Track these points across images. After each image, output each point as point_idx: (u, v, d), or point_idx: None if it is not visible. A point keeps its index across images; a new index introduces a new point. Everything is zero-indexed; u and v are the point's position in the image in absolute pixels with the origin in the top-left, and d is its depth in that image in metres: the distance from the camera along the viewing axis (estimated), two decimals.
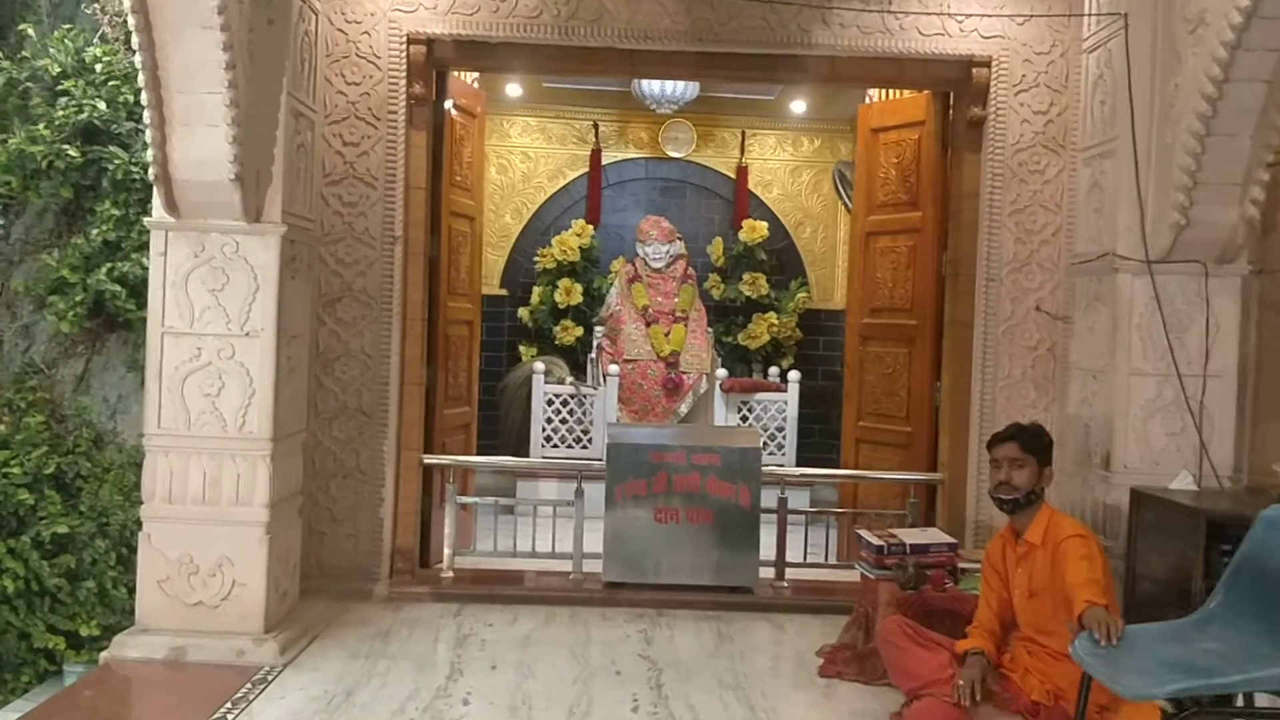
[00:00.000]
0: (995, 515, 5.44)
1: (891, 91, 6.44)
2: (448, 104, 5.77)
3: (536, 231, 9.72)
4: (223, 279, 4.38)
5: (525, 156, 9.72)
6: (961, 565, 4.58)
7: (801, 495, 7.56)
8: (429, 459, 5.60)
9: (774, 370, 8.72)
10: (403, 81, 5.37)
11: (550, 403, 7.75)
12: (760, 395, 7.76)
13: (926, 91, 5.90)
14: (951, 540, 4.67)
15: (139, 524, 4.45)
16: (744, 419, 7.77)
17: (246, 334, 4.38)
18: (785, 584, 5.58)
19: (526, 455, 7.80)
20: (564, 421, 7.75)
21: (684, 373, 8.57)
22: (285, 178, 4.43)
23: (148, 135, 4.14)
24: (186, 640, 4.33)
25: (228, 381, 4.38)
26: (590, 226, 9.22)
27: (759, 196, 9.80)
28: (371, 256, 5.39)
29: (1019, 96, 5.47)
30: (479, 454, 8.72)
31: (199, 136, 4.14)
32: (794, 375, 7.76)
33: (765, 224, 9.27)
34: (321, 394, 5.39)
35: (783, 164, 9.84)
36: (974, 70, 5.39)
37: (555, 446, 7.75)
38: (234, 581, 4.39)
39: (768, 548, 5.50)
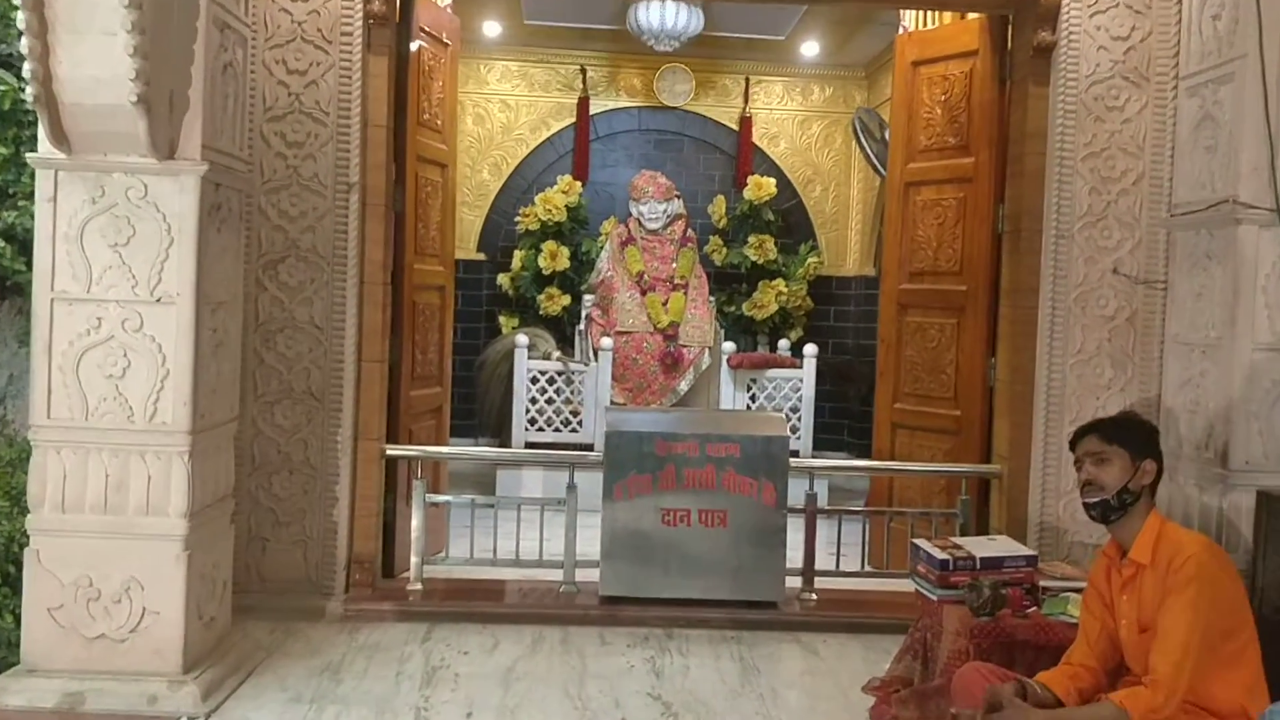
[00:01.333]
0: (1063, 516, 4.71)
1: (933, 18, 5.61)
2: (415, 30, 4.92)
3: (518, 189, 8.88)
4: (127, 231, 3.53)
5: (505, 105, 8.86)
6: (1042, 583, 3.79)
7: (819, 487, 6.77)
8: (392, 450, 4.78)
9: (783, 344, 7.91)
10: None
11: (535, 380, 6.92)
12: (772, 372, 6.95)
13: (978, 15, 5.07)
14: (1029, 552, 3.87)
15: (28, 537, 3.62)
16: (753, 399, 6.96)
17: (158, 300, 3.53)
18: (814, 596, 4.80)
19: (508, 440, 6.98)
20: (550, 402, 6.93)
21: (684, 346, 7.74)
22: (207, 103, 3.58)
23: (23, 44, 3.27)
24: (84, 684, 3.50)
25: (135, 360, 3.54)
26: (578, 183, 8.37)
27: (764, 151, 8.97)
28: (322, 208, 4.55)
29: (1095, 19, 4.66)
30: (453, 439, 7.90)
31: (91, 46, 3.29)
32: (809, 349, 6.96)
33: (772, 180, 8.43)
34: (262, 372, 4.56)
35: (790, 115, 9.00)
36: None
37: (541, 430, 6.93)
38: (144, 609, 3.56)
39: (792, 551, 4.72)
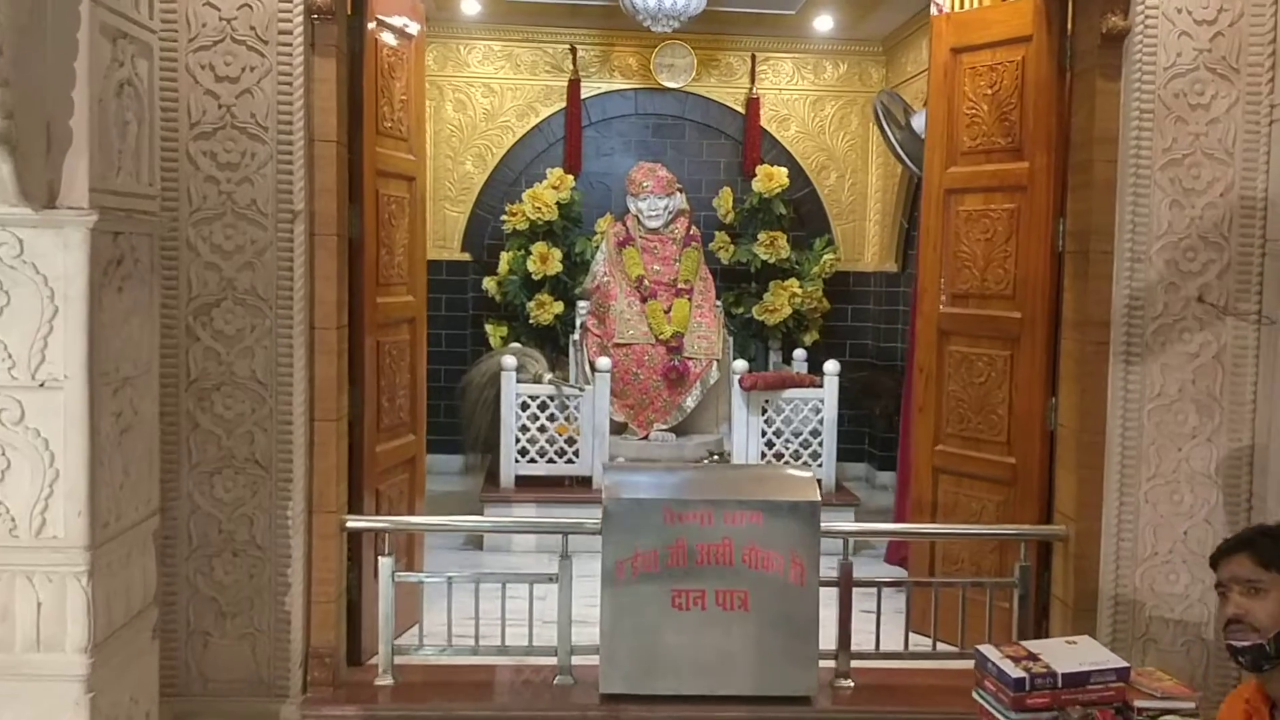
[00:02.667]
0: (1140, 587, 4.07)
1: None
2: (370, 22, 4.22)
3: (504, 181, 8.16)
4: None
5: (488, 90, 8.13)
6: (1138, 703, 3.13)
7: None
8: (354, 522, 4.12)
9: (799, 354, 7.22)
10: None
11: (525, 406, 6.24)
12: (789, 393, 6.27)
13: None
14: (1119, 663, 3.19)
15: None
16: (768, 423, 6.29)
17: (41, 384, 2.85)
18: (850, 683, 4.15)
19: (496, 467, 6.30)
20: (543, 430, 6.25)
21: (689, 359, 7.07)
22: (96, 135, 2.88)
23: None
24: None
25: (15, 460, 2.86)
26: (569, 178, 7.66)
27: (773, 135, 8.25)
28: (262, 240, 3.87)
29: (1176, 0, 3.96)
30: (439, 455, 7.26)
31: None
32: (831, 367, 6.27)
33: (784, 170, 7.72)
34: (197, 438, 3.89)
35: (801, 95, 8.27)
36: None
37: (533, 462, 6.26)
38: None
39: (823, 627, 4.06)
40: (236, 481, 3.91)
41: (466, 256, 8.18)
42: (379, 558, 4.11)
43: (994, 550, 4.55)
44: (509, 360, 6.15)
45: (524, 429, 6.21)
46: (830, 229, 8.29)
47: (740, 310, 7.89)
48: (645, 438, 7.08)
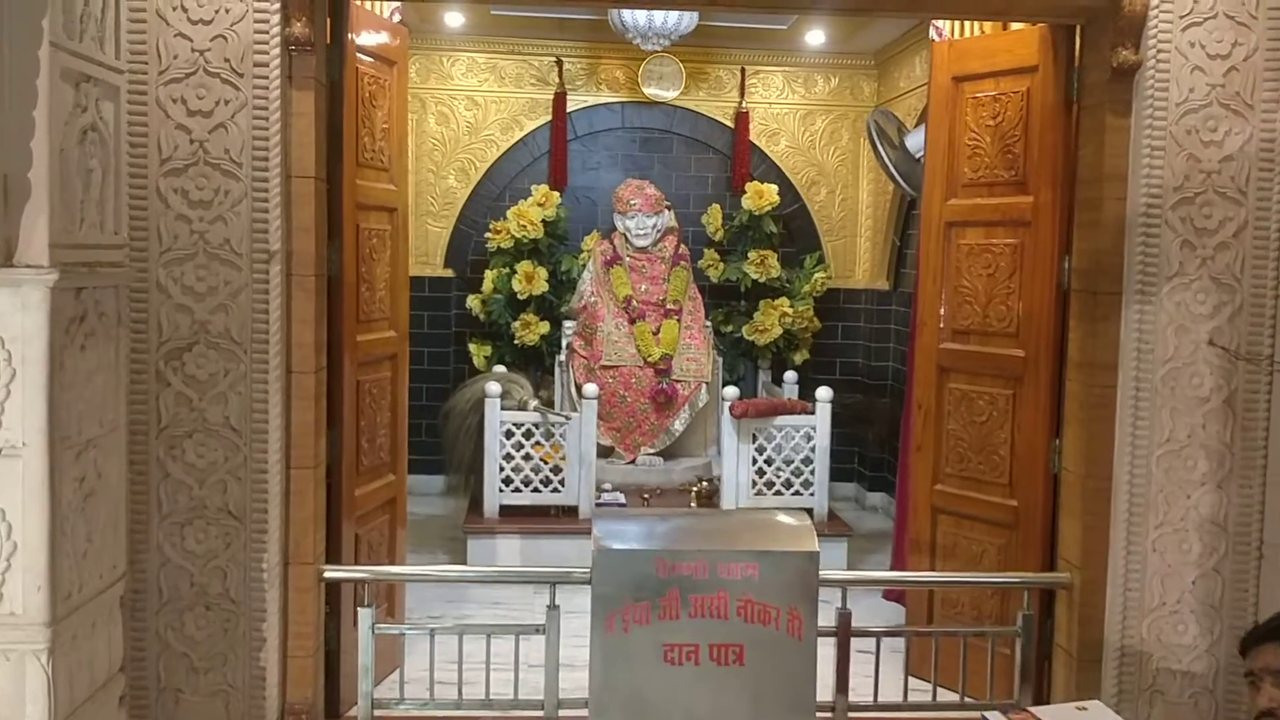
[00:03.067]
0: (1147, 638, 3.96)
1: (978, 24, 4.77)
2: (350, 52, 4.05)
3: (488, 196, 8.00)
4: None
5: (472, 102, 7.96)
6: None
7: (837, 551, 6.00)
8: (331, 572, 3.95)
9: (790, 377, 7.08)
10: (276, 16, 3.64)
11: (509, 434, 6.07)
12: (781, 420, 6.13)
13: (1040, 24, 4.23)
14: None
15: None
16: (759, 450, 6.14)
17: None
18: None
19: (479, 494, 6.14)
20: (528, 458, 6.09)
21: (678, 381, 6.93)
22: (56, 187, 2.71)
23: None
24: None
25: None
26: (555, 194, 7.50)
27: (763, 150, 8.11)
28: (236, 282, 3.69)
29: (1188, 33, 3.83)
30: (421, 475, 7.12)
31: None
32: (823, 393, 6.13)
33: (775, 187, 7.57)
34: (168, 488, 3.72)
35: (791, 109, 8.13)
36: None
37: (518, 491, 6.10)
38: None
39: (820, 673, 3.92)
40: (209, 533, 3.74)
41: (449, 273, 8.02)
42: (358, 609, 3.94)
43: (995, 595, 4.42)
44: (492, 387, 5.98)
45: (508, 457, 6.05)
46: (821, 246, 8.15)
47: (729, 329, 7.75)
48: (632, 462, 6.93)
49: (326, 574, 3.93)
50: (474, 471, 6.24)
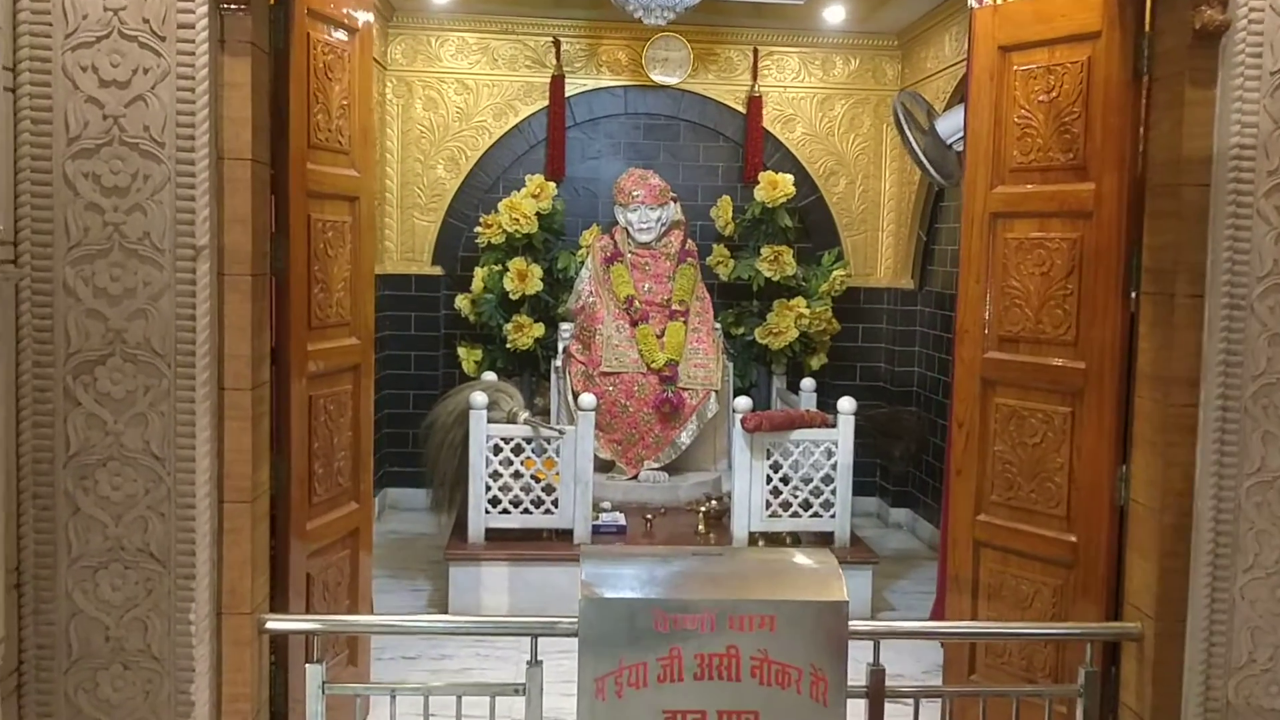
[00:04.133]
0: (1235, 700, 3.37)
1: None
2: (299, 13, 3.49)
3: (479, 188, 7.45)
4: None
5: (462, 86, 7.40)
6: None
7: (861, 580, 5.42)
8: (275, 622, 3.39)
9: (807, 384, 6.51)
10: None
11: (497, 450, 5.51)
12: (798, 434, 5.55)
13: None
14: None
15: None
16: (774, 468, 5.57)
17: None
18: None
19: (464, 516, 5.56)
20: (517, 476, 5.52)
21: (684, 390, 6.36)
22: None
23: None
24: None
25: None
26: (551, 185, 6.93)
27: (777, 137, 7.54)
28: (158, 282, 3.13)
29: None
30: (400, 489, 6.55)
31: None
32: (846, 405, 5.55)
33: (790, 178, 6.99)
34: (78, 525, 3.16)
35: (808, 93, 7.55)
36: None
37: (506, 513, 5.53)
38: None
39: None
40: (127, 578, 3.18)
41: (438, 270, 7.47)
42: (307, 665, 3.38)
43: (1050, 643, 3.84)
44: (477, 398, 5.41)
45: (495, 476, 5.48)
46: (839, 241, 7.58)
47: (740, 332, 7.18)
48: (634, 477, 6.38)
49: (269, 624, 3.37)
50: (458, 490, 5.68)
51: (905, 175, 7.38)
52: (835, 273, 7.06)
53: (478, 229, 6.93)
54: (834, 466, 5.54)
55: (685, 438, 6.38)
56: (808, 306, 6.94)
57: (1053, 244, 3.81)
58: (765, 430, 5.42)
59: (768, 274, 6.92)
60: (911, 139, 5.83)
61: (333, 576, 3.87)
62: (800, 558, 3.53)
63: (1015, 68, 3.92)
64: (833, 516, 5.57)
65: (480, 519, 5.48)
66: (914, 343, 7.38)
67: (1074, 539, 3.77)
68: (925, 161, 5.86)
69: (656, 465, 6.38)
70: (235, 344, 3.24)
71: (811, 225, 7.53)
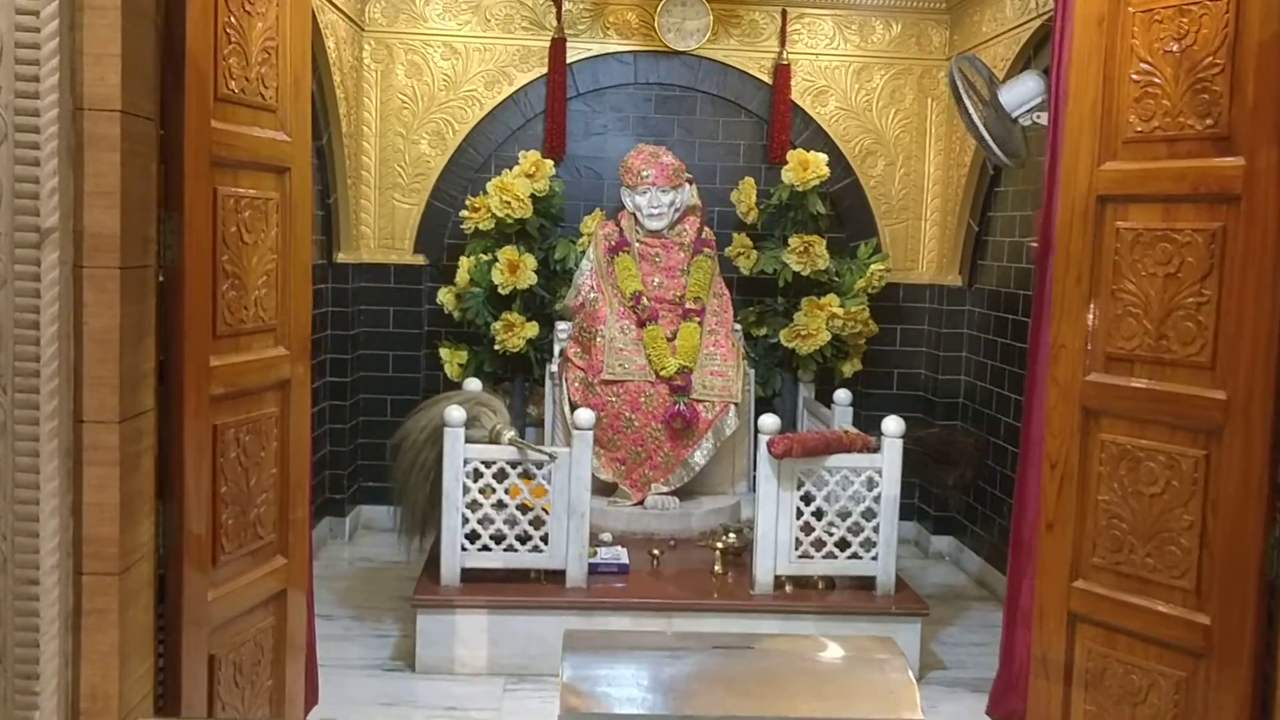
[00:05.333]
0: None
1: None
2: None
3: (469, 166, 6.62)
4: None
5: (450, 50, 6.56)
6: None
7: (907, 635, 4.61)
8: None
9: (842, 396, 5.66)
10: None
11: (477, 475, 4.68)
12: (835, 460, 4.71)
13: None
14: None
15: None
16: (806, 499, 4.73)
17: None
18: None
19: (437, 552, 4.73)
20: (500, 506, 4.69)
21: (699, 401, 5.54)
22: None
23: None
24: None
25: None
26: (548, 162, 6.10)
27: (807, 112, 6.68)
28: None
29: None
30: (372, 506, 5.73)
31: None
32: (892, 425, 4.70)
33: (824, 157, 6.14)
34: None
35: (843, 62, 6.69)
36: None
37: (486, 551, 4.70)
38: None
39: None
40: None
41: (421, 260, 6.65)
42: None
43: None
44: (453, 414, 4.58)
45: (474, 506, 4.66)
46: (876, 230, 6.73)
47: (762, 333, 6.35)
48: (640, 503, 5.56)
49: None
50: (430, 522, 4.86)
51: (953, 156, 6.53)
52: (873, 267, 6.22)
53: (463, 213, 6.11)
54: (877, 499, 4.71)
55: (699, 457, 5.55)
56: (841, 305, 6.10)
57: (1182, 236, 2.97)
58: (796, 456, 4.58)
59: (796, 267, 6.08)
60: (971, 110, 4.99)
61: (248, 655, 3.05)
62: (856, 651, 2.69)
63: (1133, 9, 3.08)
64: (874, 558, 4.73)
65: (455, 557, 4.65)
66: (961, 347, 6.54)
67: (1206, 620, 2.93)
68: (988, 137, 5.01)
69: (665, 489, 5.56)
70: (98, 361, 2.42)
71: (845, 212, 6.68)
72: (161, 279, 2.66)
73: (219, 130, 2.79)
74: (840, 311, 6.05)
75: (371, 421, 6.69)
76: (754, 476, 4.86)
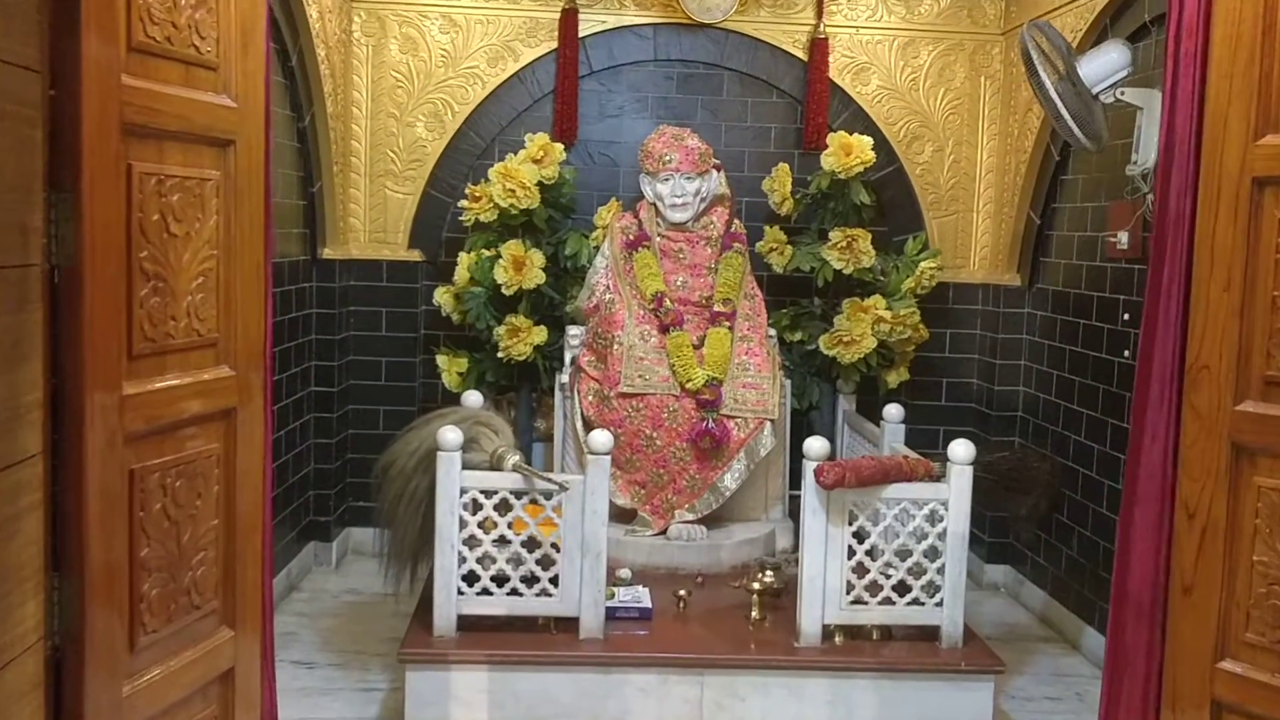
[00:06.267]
0: None
1: None
2: None
3: (470, 152, 6.01)
4: None
5: (449, 23, 5.94)
6: None
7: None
8: None
9: (893, 412, 5.01)
10: None
11: (476, 506, 4.05)
12: (893, 490, 4.07)
13: None
14: None
15: None
16: (859, 536, 4.10)
17: None
18: None
19: (429, 595, 4.11)
20: (502, 543, 4.06)
21: (730, 418, 4.91)
22: None
23: None
24: None
25: None
26: (558, 146, 5.47)
27: (846, 92, 6.05)
28: None
29: None
30: (355, 528, 5.16)
31: None
32: (961, 450, 4.05)
33: (870, 140, 5.51)
34: None
35: (887, 36, 6.06)
36: None
37: (485, 594, 4.07)
38: None
39: None
40: None
41: (416, 256, 6.03)
42: None
43: None
44: (448, 436, 3.95)
45: (472, 543, 4.03)
46: (923, 224, 6.11)
47: (797, 339, 5.72)
48: (662, 533, 4.94)
49: None
50: (422, 562, 4.24)
51: (1010, 141, 5.89)
52: (923, 264, 5.58)
53: (463, 203, 5.49)
54: (941, 535, 4.08)
55: (730, 481, 4.93)
56: (888, 308, 5.46)
57: None
58: (849, 486, 3.95)
59: (837, 265, 5.44)
60: (1048, 84, 4.35)
61: None
62: None
63: None
64: (939, 604, 4.10)
65: (450, 603, 4.02)
66: (1019, 355, 5.91)
67: None
68: (1066, 115, 4.38)
69: (691, 517, 4.94)
70: None
71: (887, 203, 6.05)
72: (57, 281, 2.04)
73: (133, 89, 2.17)
74: (888, 315, 5.41)
75: (362, 435, 6.08)
76: (789, 499, 4.20)
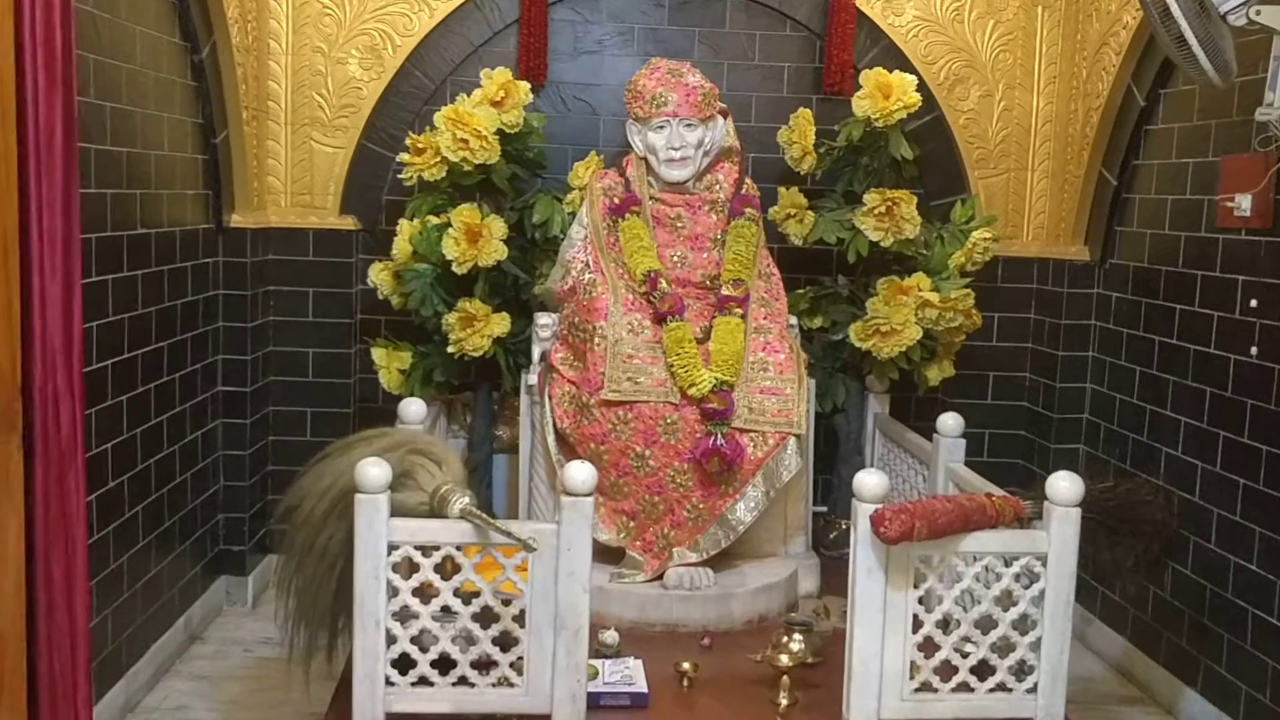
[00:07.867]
0: None
1: None
2: None
3: (414, 95, 4.97)
4: None
5: None
6: None
7: None
8: None
9: (951, 423, 3.97)
10: None
11: (411, 567, 2.99)
12: (974, 542, 3.04)
13: None
14: None
15: None
16: (924, 603, 3.08)
17: None
18: None
19: (348, 682, 3.05)
20: (447, 614, 3.01)
21: (744, 431, 3.87)
22: None
23: None
24: None
25: None
26: (523, 85, 4.41)
27: (876, 24, 5.04)
28: None
29: None
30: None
31: None
32: (1064, 485, 3.04)
33: (913, 80, 4.47)
34: None
35: None
36: None
37: (423, 684, 3.02)
38: None
39: None
40: None
41: (351, 224, 5.00)
42: None
43: None
44: (372, 473, 2.90)
45: (405, 616, 2.98)
46: (967, 185, 5.10)
47: (819, 326, 4.72)
48: (657, 577, 3.91)
49: None
50: (339, 636, 3.19)
51: (1076, 84, 4.88)
52: (975, 235, 4.57)
53: (402, 156, 4.43)
54: (1038, 599, 3.06)
55: (743, 512, 3.90)
56: (934, 289, 4.44)
57: None
58: (921, 539, 2.93)
59: (874, 236, 4.41)
60: (1187, 22, 3.33)
61: None
62: None
63: None
64: (1031, 691, 3.09)
65: (375, 699, 2.97)
66: (1087, 345, 4.91)
67: None
68: (1194, 43, 3.36)
69: (694, 558, 3.91)
70: None
71: (923, 160, 5.00)
72: None
73: None
74: (934, 298, 4.39)
75: (285, 444, 5.04)
76: (853, 573, 3.12)
